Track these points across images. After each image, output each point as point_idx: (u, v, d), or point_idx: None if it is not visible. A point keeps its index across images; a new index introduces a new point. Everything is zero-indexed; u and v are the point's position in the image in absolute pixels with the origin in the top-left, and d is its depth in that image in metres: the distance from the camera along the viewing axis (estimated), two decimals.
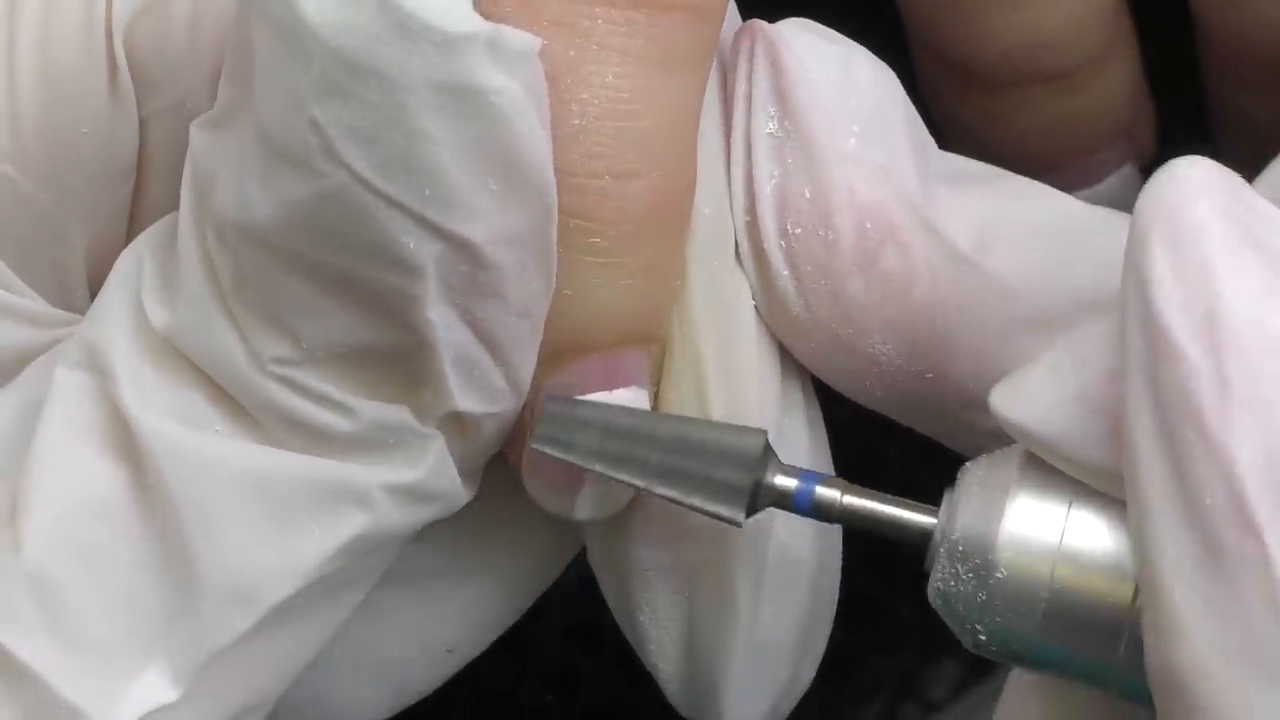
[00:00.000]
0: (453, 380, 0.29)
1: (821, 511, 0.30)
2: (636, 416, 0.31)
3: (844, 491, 0.30)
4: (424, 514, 0.31)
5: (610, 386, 0.31)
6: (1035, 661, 0.29)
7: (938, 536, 0.29)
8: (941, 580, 0.28)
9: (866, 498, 0.30)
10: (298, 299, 0.29)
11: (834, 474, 0.32)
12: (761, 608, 0.33)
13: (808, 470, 0.30)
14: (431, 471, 0.30)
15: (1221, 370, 0.25)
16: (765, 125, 0.32)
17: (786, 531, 0.33)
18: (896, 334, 0.32)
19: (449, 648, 0.35)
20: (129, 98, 0.33)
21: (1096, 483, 0.28)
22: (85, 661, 0.28)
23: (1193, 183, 0.26)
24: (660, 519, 0.33)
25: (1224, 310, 0.25)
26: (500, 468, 0.32)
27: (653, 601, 0.33)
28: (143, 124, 0.33)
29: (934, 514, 0.29)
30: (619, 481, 0.30)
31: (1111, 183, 0.45)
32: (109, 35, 0.32)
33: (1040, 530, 0.28)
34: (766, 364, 0.33)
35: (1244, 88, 0.45)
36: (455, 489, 0.31)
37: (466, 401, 0.30)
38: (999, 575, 0.28)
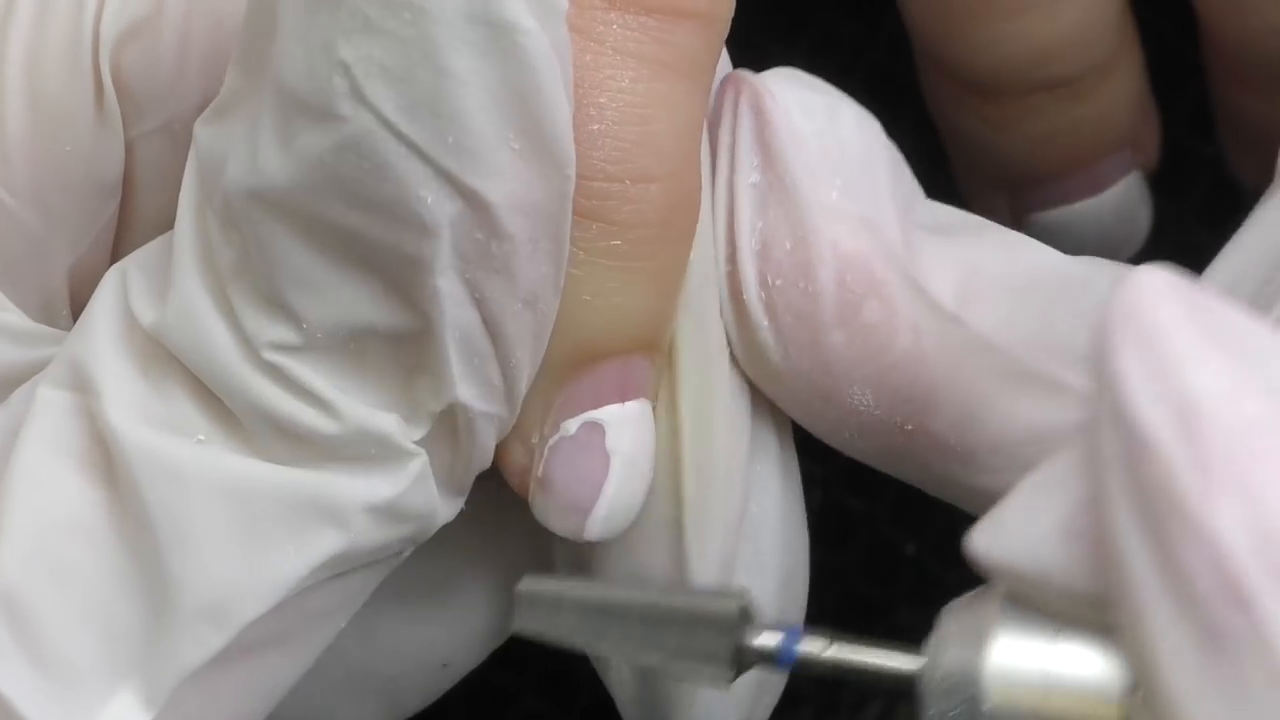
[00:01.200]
0: (455, 364, 0.29)
1: (807, 667, 0.30)
2: (611, 592, 0.30)
3: (828, 642, 0.30)
4: (400, 532, 0.30)
5: (623, 398, 0.31)
6: None
7: (923, 681, 0.29)
8: (933, 717, 0.29)
9: (850, 650, 0.30)
10: (306, 272, 0.29)
11: (806, 533, 0.33)
12: None
13: (790, 626, 0.30)
14: (410, 488, 0.30)
15: (1200, 457, 0.24)
16: (749, 176, 0.33)
17: (748, 573, 0.33)
18: (876, 386, 0.32)
19: (444, 662, 0.35)
20: (115, 119, 0.33)
21: (1082, 610, 0.27)
22: (56, 685, 0.28)
23: (1158, 286, 0.26)
24: (617, 554, 0.33)
25: (1197, 400, 0.25)
26: (490, 480, 0.32)
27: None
28: (129, 146, 0.33)
29: (918, 657, 0.29)
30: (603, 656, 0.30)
31: (1115, 191, 0.45)
32: (95, 57, 0.32)
33: (1025, 662, 0.28)
34: (738, 409, 0.33)
35: (1249, 91, 0.44)
36: (433, 509, 0.31)
37: (466, 391, 0.30)
38: (986, 712, 0.28)
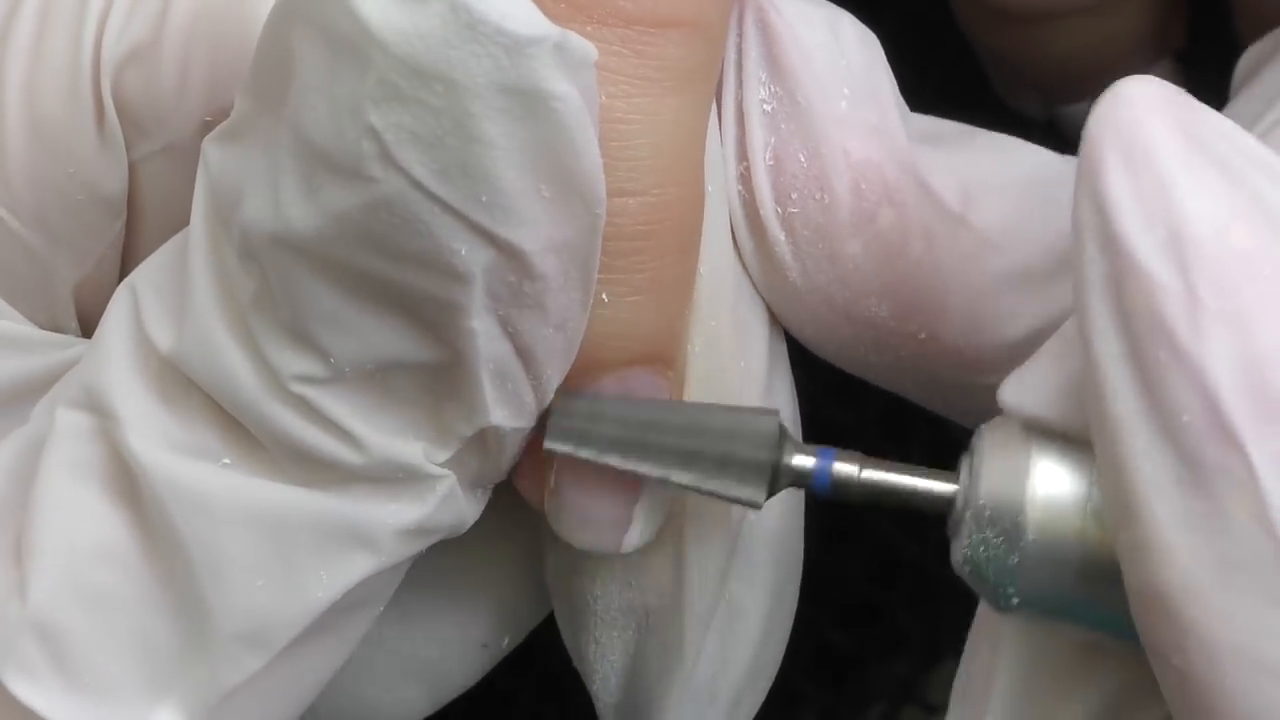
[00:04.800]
0: (488, 393, 0.29)
1: (840, 488, 0.30)
2: (650, 406, 0.30)
3: (862, 465, 0.30)
4: (430, 541, 0.30)
5: None
6: (1069, 617, 0.28)
7: (960, 503, 0.29)
8: (969, 547, 0.28)
9: (884, 470, 0.30)
10: (332, 312, 0.28)
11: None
12: (707, 655, 0.33)
13: (824, 447, 0.30)
14: (438, 509, 0.30)
15: (1190, 287, 0.24)
16: (757, 92, 0.32)
17: (740, 584, 0.33)
18: (892, 295, 0.32)
19: (483, 643, 0.35)
20: (117, 141, 0.32)
21: None
22: (97, 708, 0.28)
23: (1145, 102, 0.25)
24: (615, 560, 0.33)
25: (1187, 227, 0.24)
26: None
27: (600, 637, 0.33)
28: (133, 167, 0.33)
29: (953, 480, 0.29)
30: (637, 473, 0.30)
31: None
32: (96, 79, 0.32)
33: (1066, 491, 0.28)
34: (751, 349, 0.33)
35: None
36: (461, 520, 0.30)
37: (499, 414, 0.29)
38: (1030, 538, 0.27)
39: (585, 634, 0.34)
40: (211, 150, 0.29)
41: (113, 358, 0.30)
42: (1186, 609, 0.24)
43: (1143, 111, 0.25)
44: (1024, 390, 0.28)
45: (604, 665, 0.34)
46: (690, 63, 0.30)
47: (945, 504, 0.29)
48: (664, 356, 0.31)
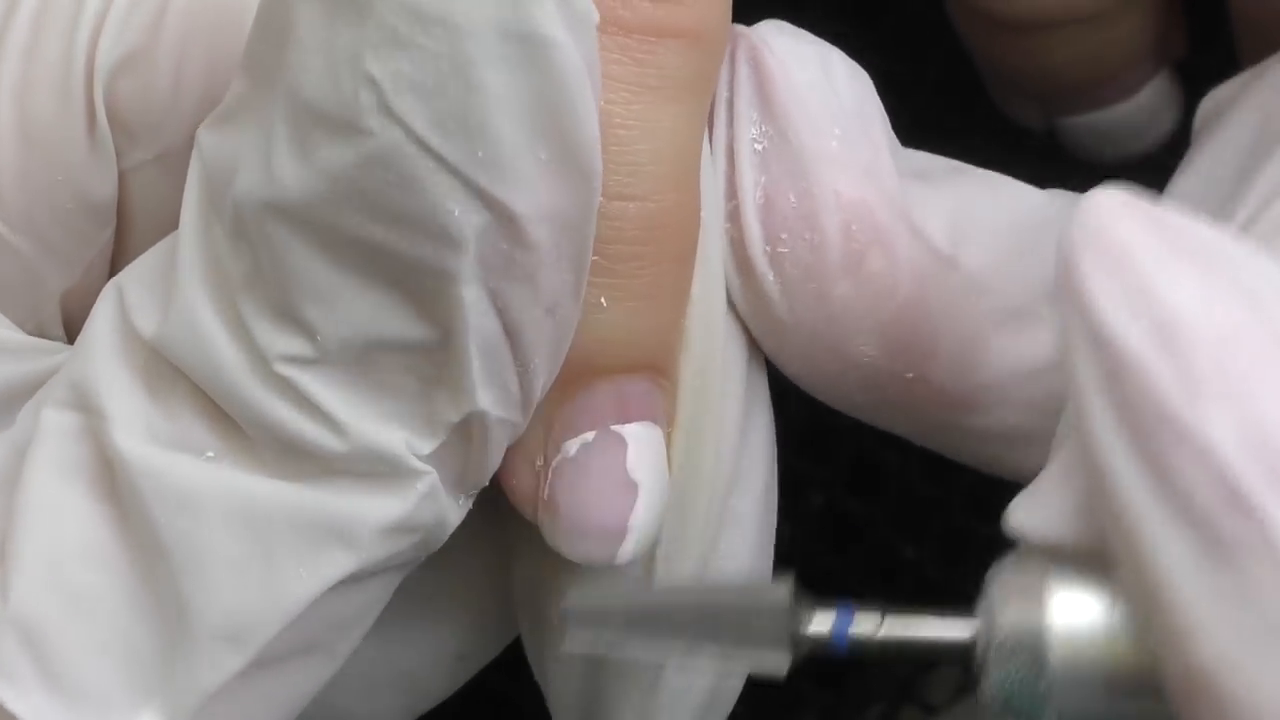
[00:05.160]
0: (476, 372, 0.29)
1: (861, 649, 0.30)
2: (656, 597, 0.30)
3: (879, 623, 0.30)
4: (410, 541, 0.30)
5: (623, 420, 0.30)
6: None
7: (982, 645, 0.29)
8: (998, 683, 0.28)
9: (902, 624, 0.29)
10: (322, 284, 0.28)
11: (792, 574, 0.32)
12: (667, 682, 0.33)
13: (842, 605, 0.30)
14: (419, 506, 0.29)
15: (1184, 369, 0.24)
16: (748, 130, 0.32)
17: None
18: (880, 335, 0.32)
19: (460, 655, 0.35)
20: (108, 149, 0.32)
21: None
22: (78, 712, 0.28)
23: (1112, 206, 0.26)
24: (576, 575, 0.32)
25: (1172, 313, 0.25)
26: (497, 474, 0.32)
27: (561, 654, 0.33)
28: (123, 176, 0.33)
29: (972, 622, 0.29)
30: (660, 658, 0.30)
31: (1147, 92, 0.45)
32: (89, 87, 0.32)
33: (1085, 610, 0.28)
34: (724, 455, 0.32)
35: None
36: (442, 520, 0.30)
37: (486, 398, 0.29)
38: (1054, 663, 0.27)
39: (547, 650, 0.34)
40: (205, 136, 0.29)
41: (98, 350, 0.30)
42: (1226, 683, 0.24)
43: (1116, 214, 0.26)
44: (1035, 514, 0.28)
45: (562, 684, 0.34)
46: (689, 72, 0.30)
47: (967, 649, 0.29)
48: (659, 366, 0.31)
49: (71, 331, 0.34)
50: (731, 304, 0.33)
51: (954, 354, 0.32)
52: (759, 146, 0.32)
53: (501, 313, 0.28)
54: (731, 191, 0.32)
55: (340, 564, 0.29)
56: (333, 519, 0.29)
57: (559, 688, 0.34)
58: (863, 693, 0.48)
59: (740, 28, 0.33)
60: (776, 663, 0.29)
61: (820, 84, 0.33)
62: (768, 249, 0.32)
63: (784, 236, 0.32)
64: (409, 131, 0.27)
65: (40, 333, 0.34)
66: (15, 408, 0.31)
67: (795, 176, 0.32)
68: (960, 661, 0.29)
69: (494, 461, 0.31)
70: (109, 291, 0.30)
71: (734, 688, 0.35)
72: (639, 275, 0.30)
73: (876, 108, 0.33)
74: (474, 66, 0.26)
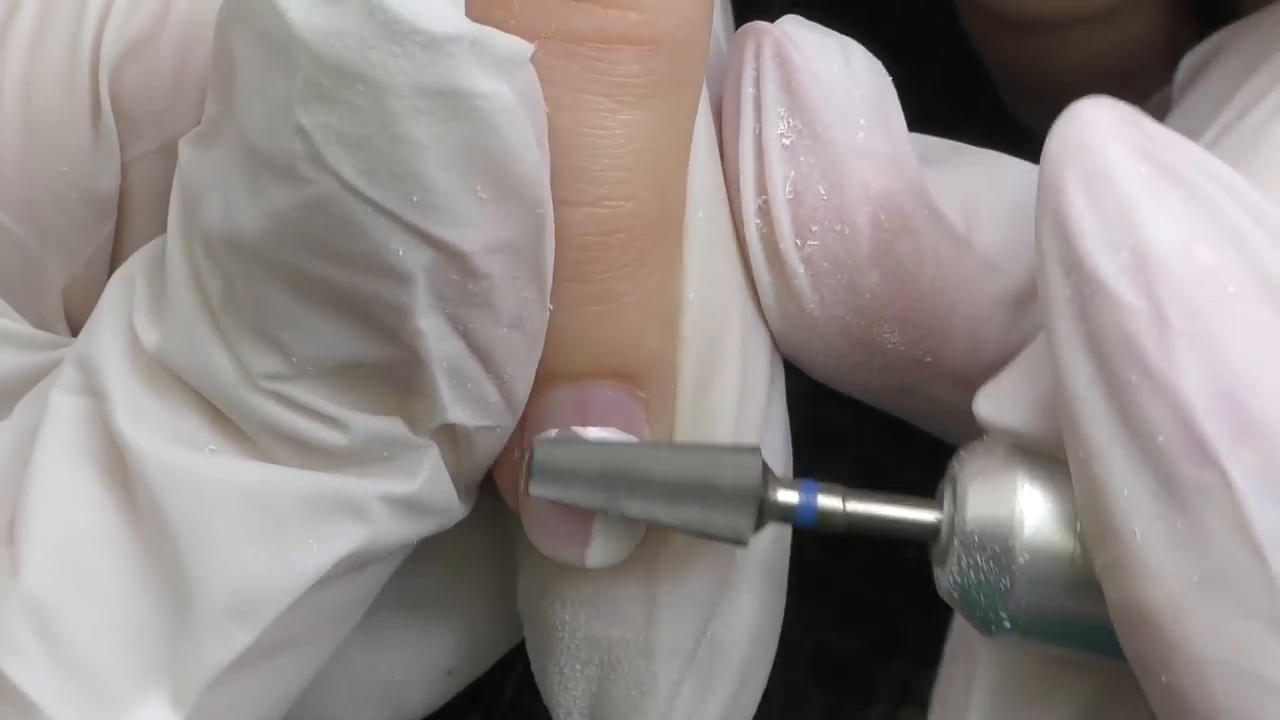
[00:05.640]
0: (444, 391, 0.29)
1: (825, 520, 0.30)
2: (630, 449, 0.30)
3: (845, 497, 0.30)
4: (421, 527, 0.30)
5: (583, 423, 0.30)
6: (1058, 639, 0.28)
7: (946, 531, 0.29)
8: (958, 573, 0.28)
9: (867, 501, 0.30)
10: (286, 313, 0.28)
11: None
12: (683, 696, 0.33)
13: (807, 480, 0.30)
14: (428, 483, 0.30)
15: (1157, 308, 0.24)
16: (776, 126, 0.32)
17: (721, 624, 0.33)
18: (904, 320, 0.32)
19: (449, 670, 0.35)
20: (111, 140, 0.32)
21: None
22: (86, 690, 0.28)
23: (1100, 123, 0.26)
24: (585, 587, 0.32)
25: (1151, 247, 0.25)
26: (492, 487, 0.32)
27: (565, 667, 0.33)
28: (126, 167, 0.33)
29: (937, 509, 0.29)
30: (622, 517, 0.30)
31: (1165, 95, 0.45)
32: (94, 78, 0.32)
33: (1053, 511, 0.28)
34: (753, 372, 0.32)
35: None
36: (451, 502, 0.31)
37: (459, 413, 0.29)
38: (1022, 560, 0.27)
39: (551, 661, 0.34)
40: (184, 151, 0.30)
41: (106, 344, 0.30)
42: (1172, 626, 0.24)
43: (1100, 133, 0.25)
44: (1000, 404, 0.28)
45: (567, 698, 0.34)
46: (650, 79, 0.30)
47: (931, 532, 0.29)
48: (631, 375, 0.31)
49: (73, 324, 0.34)
50: (756, 303, 0.33)
51: (967, 334, 0.33)
52: (787, 141, 0.32)
53: (465, 335, 0.29)
54: (761, 186, 0.32)
55: (351, 536, 0.29)
56: (342, 493, 0.29)
57: (562, 701, 0.34)
58: (863, 693, 0.48)
59: (763, 24, 0.33)
60: (740, 527, 0.29)
61: (844, 77, 0.33)
62: (798, 242, 0.32)
63: (814, 229, 0.32)
64: (341, 180, 0.27)
65: (41, 323, 0.34)
66: (16, 399, 0.31)
67: (824, 169, 0.32)
68: (923, 541, 0.29)
69: (485, 460, 0.31)
70: (120, 278, 0.31)
71: (752, 701, 0.34)
72: (589, 280, 0.30)
73: (894, 96, 0.34)
74: (399, 121, 0.26)
